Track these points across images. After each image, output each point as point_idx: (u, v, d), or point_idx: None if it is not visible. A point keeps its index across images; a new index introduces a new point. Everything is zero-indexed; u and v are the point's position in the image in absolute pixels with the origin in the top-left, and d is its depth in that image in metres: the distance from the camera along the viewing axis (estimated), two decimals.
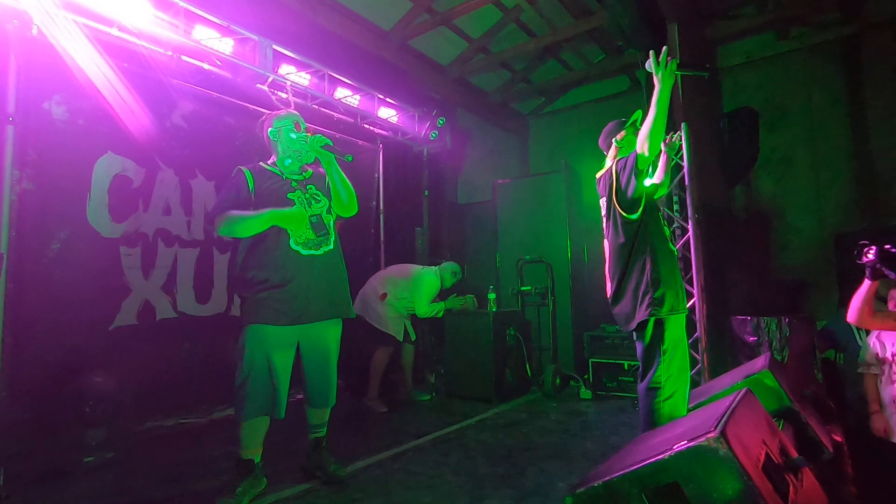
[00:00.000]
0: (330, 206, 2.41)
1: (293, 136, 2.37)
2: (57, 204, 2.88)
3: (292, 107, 3.57)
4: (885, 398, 2.78)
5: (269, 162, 2.42)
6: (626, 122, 2.48)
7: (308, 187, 2.39)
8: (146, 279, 3.29)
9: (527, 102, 7.80)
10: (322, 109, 4.37)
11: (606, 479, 1.41)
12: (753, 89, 6.00)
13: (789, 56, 5.84)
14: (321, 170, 2.42)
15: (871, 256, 2.31)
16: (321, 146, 2.30)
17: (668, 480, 1.31)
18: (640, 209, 2.27)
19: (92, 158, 3.07)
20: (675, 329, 2.20)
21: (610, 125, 2.54)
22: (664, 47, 2.03)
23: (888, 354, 2.79)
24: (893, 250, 2.28)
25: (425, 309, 4.09)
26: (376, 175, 5.23)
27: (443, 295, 4.26)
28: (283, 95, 3.97)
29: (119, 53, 3.05)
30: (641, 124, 2.43)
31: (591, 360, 4.40)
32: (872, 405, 2.82)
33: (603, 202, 2.47)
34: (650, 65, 2.05)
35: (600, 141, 2.56)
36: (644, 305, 2.20)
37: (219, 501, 2.12)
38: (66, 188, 2.94)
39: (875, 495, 2.12)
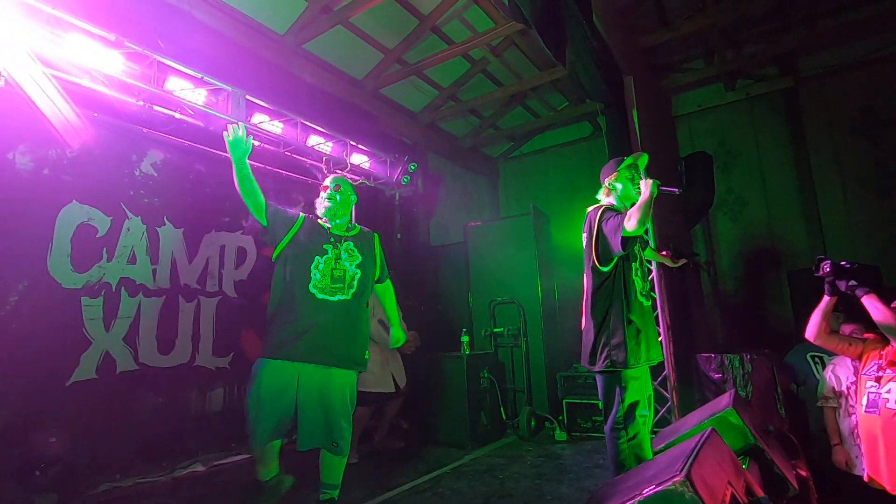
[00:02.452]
0: (362, 262, 2.53)
1: (338, 197, 2.60)
2: (18, 255, 2.80)
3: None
4: (844, 431, 2.88)
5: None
6: (620, 164, 2.57)
7: (345, 243, 2.54)
8: (107, 330, 3.18)
9: (496, 147, 8.08)
10: (294, 156, 4.43)
11: None
12: (706, 135, 6.42)
13: (736, 105, 6.31)
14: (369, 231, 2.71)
15: (826, 269, 2.47)
16: None
17: None
18: (612, 264, 2.35)
19: (56, 208, 3.02)
20: (636, 373, 2.26)
21: (609, 163, 2.64)
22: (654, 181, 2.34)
23: (843, 388, 2.91)
24: (847, 265, 2.44)
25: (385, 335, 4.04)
26: None
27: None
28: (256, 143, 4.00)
29: (88, 103, 3.04)
30: (632, 167, 2.57)
31: (564, 401, 4.40)
32: (833, 438, 2.90)
33: (585, 238, 2.51)
34: (645, 182, 2.33)
35: (601, 176, 2.66)
36: (603, 357, 2.26)
37: None
38: (27, 238, 2.87)
39: None
